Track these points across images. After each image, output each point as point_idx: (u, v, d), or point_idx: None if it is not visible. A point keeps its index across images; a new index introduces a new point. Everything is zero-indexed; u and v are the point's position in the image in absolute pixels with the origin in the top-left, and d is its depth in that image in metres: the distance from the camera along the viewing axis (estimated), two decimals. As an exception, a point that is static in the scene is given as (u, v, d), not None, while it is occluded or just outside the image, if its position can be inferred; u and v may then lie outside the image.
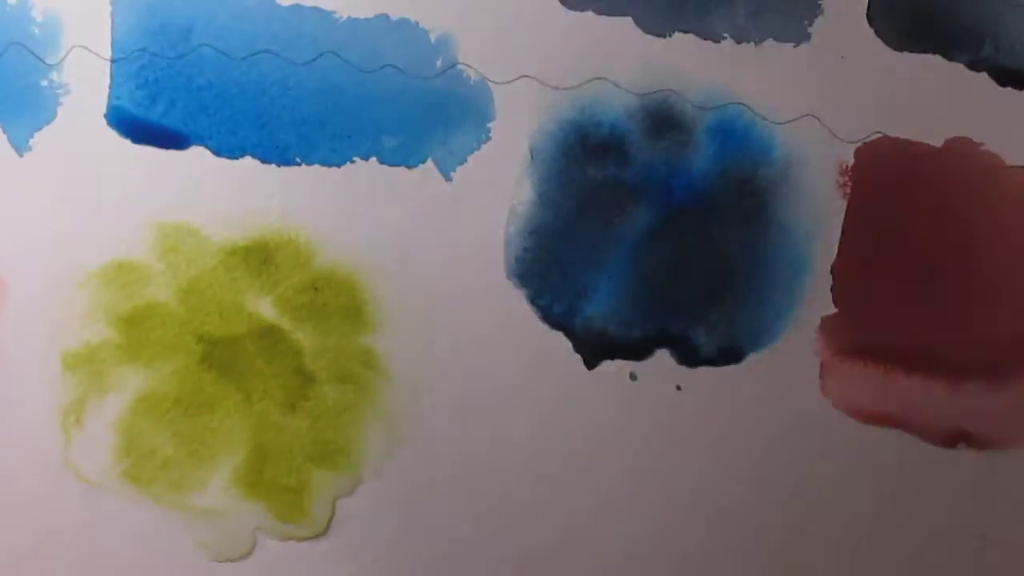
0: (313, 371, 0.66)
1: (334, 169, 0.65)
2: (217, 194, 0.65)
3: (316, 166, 0.65)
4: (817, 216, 0.66)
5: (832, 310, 0.66)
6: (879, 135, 0.66)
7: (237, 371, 0.65)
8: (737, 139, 0.66)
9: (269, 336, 0.66)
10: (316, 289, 0.65)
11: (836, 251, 0.66)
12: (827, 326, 0.67)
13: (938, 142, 0.66)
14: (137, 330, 0.65)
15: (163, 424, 0.66)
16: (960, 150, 0.66)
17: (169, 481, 0.66)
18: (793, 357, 0.66)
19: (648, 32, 0.65)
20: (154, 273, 0.65)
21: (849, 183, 0.66)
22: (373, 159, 0.65)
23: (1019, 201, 0.66)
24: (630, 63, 0.65)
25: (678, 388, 0.67)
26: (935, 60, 0.65)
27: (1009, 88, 0.66)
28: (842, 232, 0.66)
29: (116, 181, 0.65)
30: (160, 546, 0.67)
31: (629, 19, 0.65)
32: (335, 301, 0.65)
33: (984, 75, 0.66)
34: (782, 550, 0.68)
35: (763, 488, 0.67)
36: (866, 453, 0.67)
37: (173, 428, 0.66)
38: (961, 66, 0.66)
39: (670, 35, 0.65)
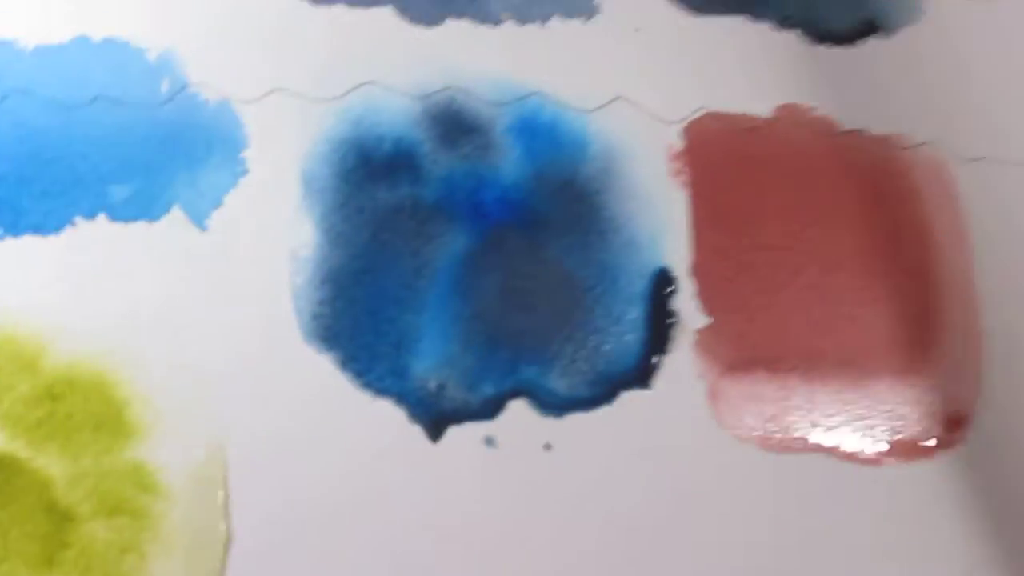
0: (70, 506, 0.48)
1: (51, 238, 0.50)
2: None
3: (25, 237, 0.49)
4: (658, 212, 0.55)
5: (706, 319, 0.54)
6: (703, 111, 0.57)
7: (-39, 529, 0.47)
8: (545, 135, 0.55)
9: (1, 469, 0.48)
10: (54, 397, 0.48)
11: (691, 249, 0.55)
12: (705, 340, 0.54)
13: (766, 112, 0.57)
14: None
15: None
16: (790, 118, 0.58)
17: None
18: (675, 385, 0.53)
19: (414, 22, 0.54)
20: None
21: (685, 168, 0.56)
22: (101, 216, 0.50)
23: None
24: (400, 61, 0.55)
25: (547, 447, 0.52)
26: (739, 22, 0.58)
27: (826, 46, 0.59)
28: (692, 226, 0.55)
29: None
30: None
31: (389, 8, 0.53)
32: (83, 408, 0.48)
33: (797, 33, 0.59)
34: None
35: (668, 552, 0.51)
36: (783, 487, 0.52)
37: None
38: (767, 27, 0.58)
39: (440, 23, 0.55)
